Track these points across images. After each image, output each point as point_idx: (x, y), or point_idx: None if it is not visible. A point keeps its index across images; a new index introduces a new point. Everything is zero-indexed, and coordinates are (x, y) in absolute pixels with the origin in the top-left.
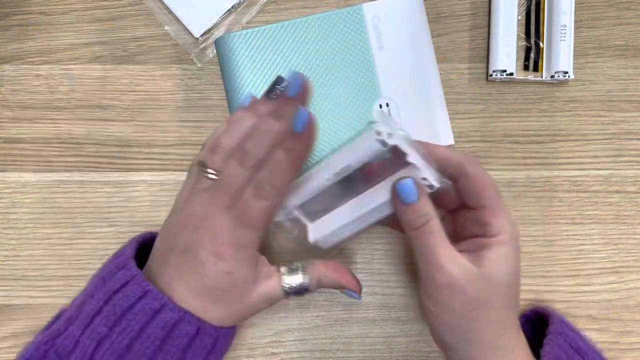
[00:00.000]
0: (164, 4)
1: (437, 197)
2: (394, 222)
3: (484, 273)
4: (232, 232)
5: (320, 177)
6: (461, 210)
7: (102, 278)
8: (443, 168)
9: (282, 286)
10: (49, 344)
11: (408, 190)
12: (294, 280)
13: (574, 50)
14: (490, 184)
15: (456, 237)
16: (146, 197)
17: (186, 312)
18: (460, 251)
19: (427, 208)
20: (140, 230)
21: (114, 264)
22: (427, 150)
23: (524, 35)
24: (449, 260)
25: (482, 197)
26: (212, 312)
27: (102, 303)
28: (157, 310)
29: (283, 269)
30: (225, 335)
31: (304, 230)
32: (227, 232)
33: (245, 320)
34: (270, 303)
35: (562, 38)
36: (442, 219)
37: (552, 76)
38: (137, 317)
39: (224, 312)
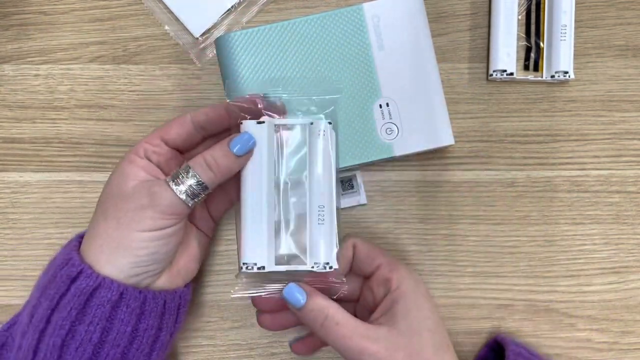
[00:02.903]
0: (163, 3)
1: (360, 260)
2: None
3: (401, 330)
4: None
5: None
6: (365, 284)
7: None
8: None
9: (178, 197)
10: (8, 331)
11: (295, 296)
12: (181, 187)
13: (575, 50)
14: (374, 246)
15: (374, 306)
16: None
17: (105, 277)
18: (376, 319)
19: (320, 303)
20: None
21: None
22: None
23: (524, 35)
24: (365, 339)
25: (373, 258)
26: (126, 266)
27: (42, 277)
28: (73, 277)
29: (168, 179)
30: (156, 297)
31: None
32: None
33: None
34: (176, 217)
35: (563, 38)
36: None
37: (553, 76)
38: (57, 286)
39: (133, 258)
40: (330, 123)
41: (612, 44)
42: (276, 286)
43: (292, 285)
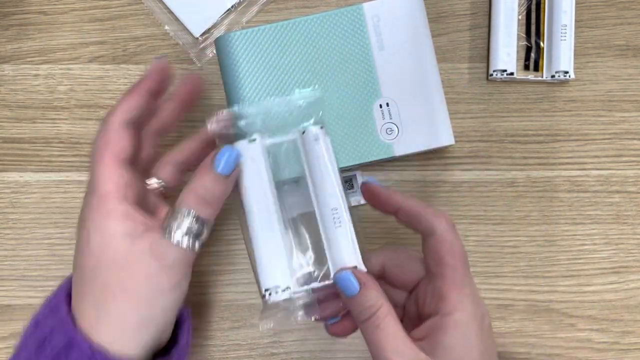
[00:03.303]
0: (163, 3)
1: (396, 274)
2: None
3: None
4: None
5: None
6: (421, 283)
7: (36, 322)
8: (414, 223)
9: (184, 249)
10: None
11: (348, 283)
12: (184, 238)
13: (575, 50)
14: (459, 252)
15: (418, 316)
16: None
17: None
18: (417, 339)
19: (371, 299)
20: None
21: (49, 307)
22: (397, 201)
23: (524, 35)
24: (397, 356)
25: (444, 264)
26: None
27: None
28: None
29: (165, 235)
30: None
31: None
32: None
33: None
34: (188, 265)
35: (563, 38)
36: (406, 300)
37: (553, 76)
38: None
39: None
40: (322, 127)
41: (612, 44)
42: (306, 287)
43: (347, 272)
